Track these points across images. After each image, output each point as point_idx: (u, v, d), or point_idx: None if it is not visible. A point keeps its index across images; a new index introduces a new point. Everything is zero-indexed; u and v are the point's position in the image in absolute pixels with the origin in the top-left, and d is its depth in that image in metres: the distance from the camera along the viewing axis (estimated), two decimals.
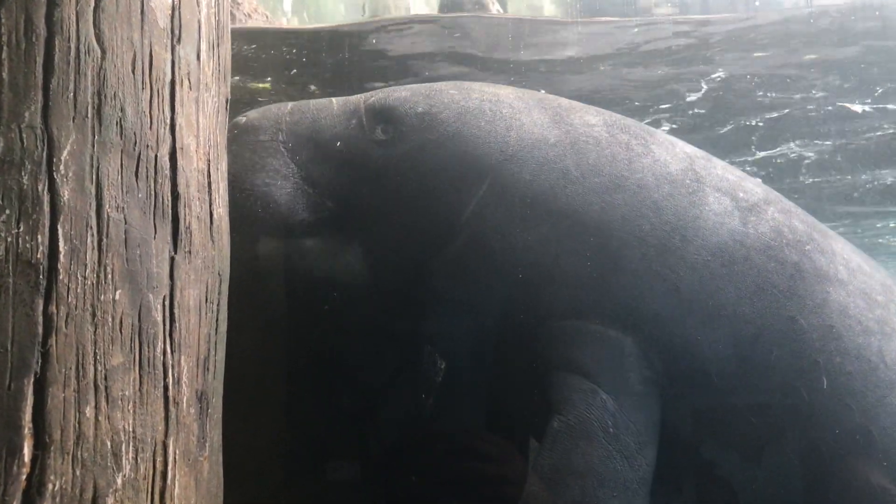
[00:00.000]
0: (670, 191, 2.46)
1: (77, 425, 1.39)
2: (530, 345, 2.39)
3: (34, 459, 1.34)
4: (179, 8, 1.63)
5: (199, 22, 1.69)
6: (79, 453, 1.39)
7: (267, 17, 4.17)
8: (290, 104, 2.58)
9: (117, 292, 1.47)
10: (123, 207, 1.49)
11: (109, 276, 1.46)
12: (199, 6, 1.69)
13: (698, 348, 2.36)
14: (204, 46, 1.71)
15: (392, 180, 2.47)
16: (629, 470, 2.20)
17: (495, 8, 4.08)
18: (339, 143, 2.51)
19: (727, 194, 2.54)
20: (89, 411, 1.41)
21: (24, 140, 1.39)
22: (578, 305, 2.34)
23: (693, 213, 2.44)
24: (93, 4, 1.46)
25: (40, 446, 1.35)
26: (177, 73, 1.61)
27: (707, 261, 2.40)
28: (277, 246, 2.44)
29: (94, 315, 1.43)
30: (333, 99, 2.63)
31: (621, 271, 2.36)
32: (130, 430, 1.48)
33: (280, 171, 2.44)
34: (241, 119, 2.52)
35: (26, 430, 1.33)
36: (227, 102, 1.86)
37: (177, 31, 1.62)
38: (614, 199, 2.41)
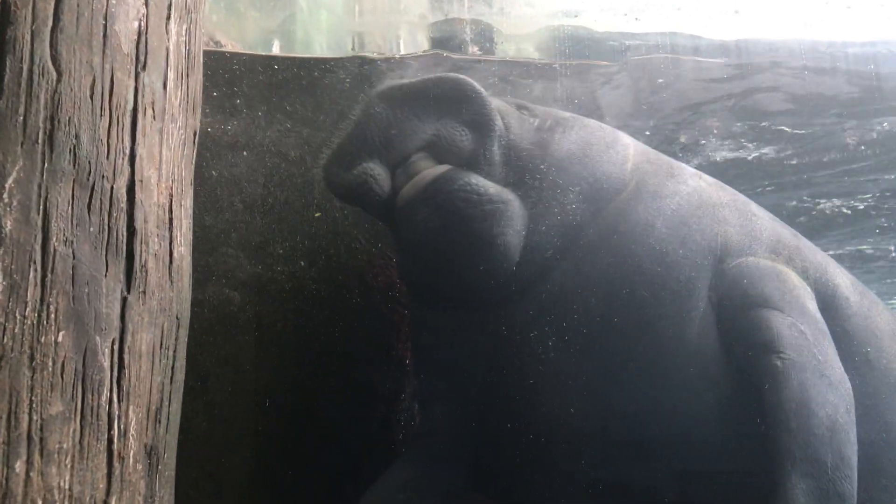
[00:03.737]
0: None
1: (4, 482, 1.24)
2: (716, 286, 2.59)
3: None
4: (146, 33, 1.54)
5: (167, 49, 1.60)
6: None
7: None
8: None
9: (60, 334, 1.34)
10: (72, 241, 1.37)
11: (52, 315, 1.33)
12: (168, 33, 1.60)
13: (834, 279, 2.77)
14: (172, 75, 1.61)
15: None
16: (847, 392, 2.40)
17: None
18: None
19: None
20: (19, 466, 1.27)
21: None
22: (749, 241, 2.68)
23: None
24: (50, 24, 1.37)
25: None
26: (140, 102, 1.51)
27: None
28: None
29: (32, 358, 1.30)
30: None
31: (764, 215, 2.85)
32: (66, 487, 1.33)
33: None
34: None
35: None
36: (195, 135, 1.76)
37: (142, 58, 1.52)
38: None
